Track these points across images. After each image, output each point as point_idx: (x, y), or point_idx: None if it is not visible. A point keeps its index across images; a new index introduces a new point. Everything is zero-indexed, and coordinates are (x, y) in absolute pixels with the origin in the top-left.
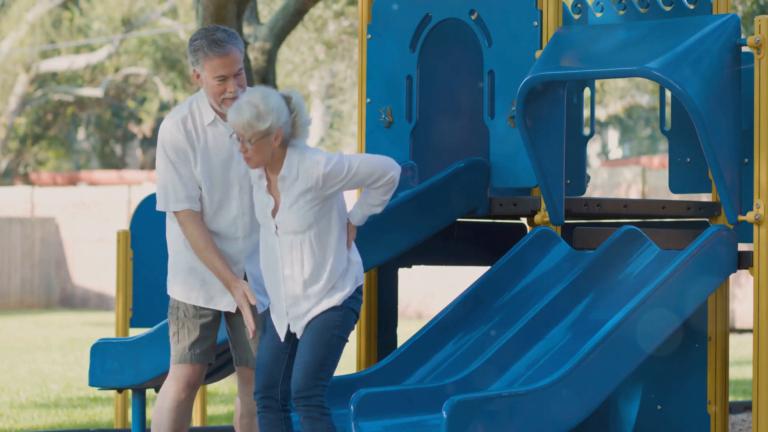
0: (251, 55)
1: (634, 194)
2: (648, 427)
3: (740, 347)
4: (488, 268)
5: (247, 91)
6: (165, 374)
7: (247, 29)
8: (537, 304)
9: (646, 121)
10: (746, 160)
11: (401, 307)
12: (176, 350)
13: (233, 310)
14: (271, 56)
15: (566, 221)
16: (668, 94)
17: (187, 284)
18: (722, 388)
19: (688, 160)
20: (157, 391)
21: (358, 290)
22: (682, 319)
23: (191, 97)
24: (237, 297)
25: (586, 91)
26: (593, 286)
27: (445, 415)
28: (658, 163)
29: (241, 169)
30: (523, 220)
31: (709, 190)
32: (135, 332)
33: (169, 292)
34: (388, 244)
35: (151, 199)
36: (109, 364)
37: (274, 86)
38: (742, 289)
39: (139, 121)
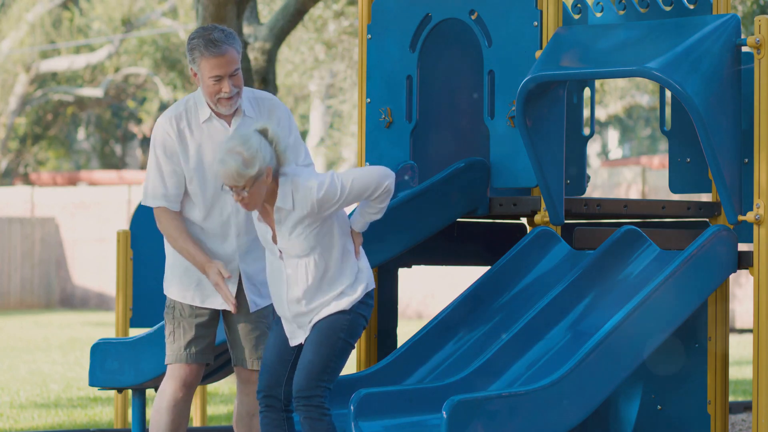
0: (251, 55)
1: (634, 194)
2: (648, 427)
3: (740, 347)
4: (488, 268)
5: (226, 138)
6: (165, 374)
7: (247, 29)
8: (537, 304)
9: (646, 121)
10: (746, 160)
11: (401, 307)
12: (171, 349)
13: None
14: (271, 56)
15: (566, 221)
16: (668, 94)
17: (183, 284)
18: (722, 388)
19: (688, 160)
20: (156, 391)
21: (368, 295)
22: (682, 319)
23: (189, 95)
24: (212, 276)
25: (586, 91)
26: (593, 286)
27: (445, 415)
28: (658, 163)
29: None
30: (523, 220)
31: (709, 190)
32: (135, 332)
33: (165, 292)
34: (388, 244)
35: None
36: (109, 364)
37: (274, 86)
38: (742, 289)
39: (139, 121)
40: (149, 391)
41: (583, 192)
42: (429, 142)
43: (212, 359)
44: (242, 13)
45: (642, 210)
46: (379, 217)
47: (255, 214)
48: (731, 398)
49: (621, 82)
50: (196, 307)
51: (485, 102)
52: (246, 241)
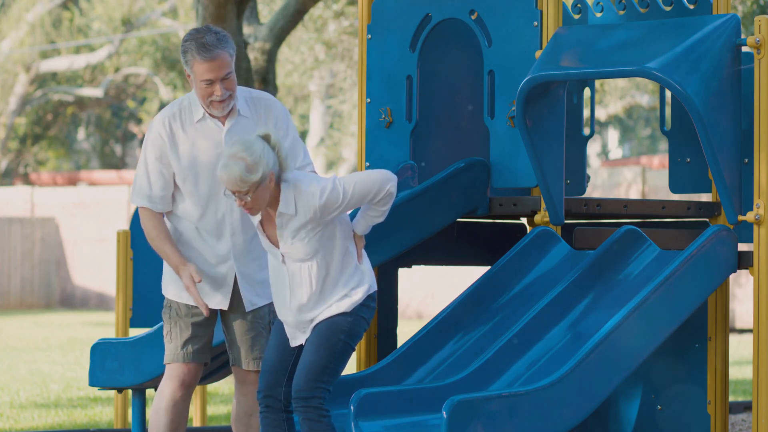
0: (251, 55)
1: (634, 194)
2: (648, 427)
3: (740, 347)
4: (488, 268)
5: (228, 144)
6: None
7: (247, 29)
8: (537, 304)
9: (646, 121)
10: (746, 160)
11: (401, 307)
12: (169, 349)
13: (225, 308)
14: (271, 56)
15: (566, 221)
16: (668, 94)
17: (179, 283)
18: (722, 388)
19: (688, 160)
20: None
21: (370, 297)
22: (682, 319)
23: (186, 95)
24: (184, 279)
25: (586, 91)
26: (593, 286)
27: (445, 415)
28: (658, 163)
29: None
30: (523, 220)
31: (709, 190)
32: (135, 332)
33: (163, 291)
34: (388, 244)
35: None
36: (109, 364)
37: (274, 86)
38: (742, 289)
39: (139, 121)
40: (149, 391)
41: (583, 192)
42: (429, 142)
43: (209, 359)
44: (242, 13)
45: (642, 210)
46: (381, 220)
47: (256, 220)
48: (731, 398)
49: (621, 82)
50: (192, 306)
51: (485, 102)
52: (241, 240)
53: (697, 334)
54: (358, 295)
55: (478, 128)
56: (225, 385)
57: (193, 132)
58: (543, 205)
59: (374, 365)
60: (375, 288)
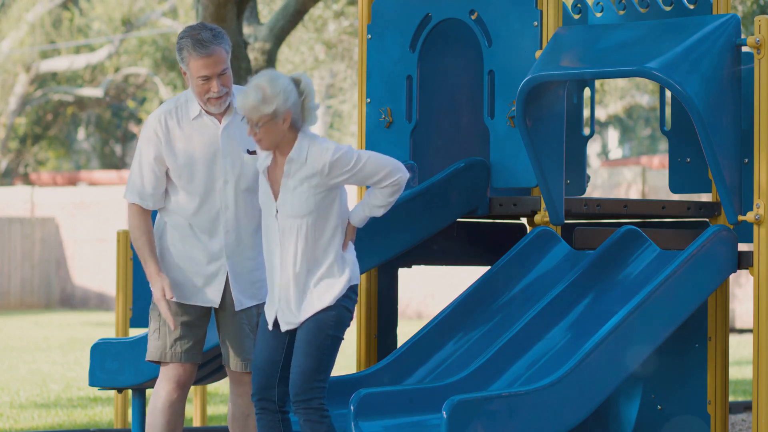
0: (251, 55)
1: (634, 194)
2: (648, 427)
3: (740, 347)
4: (488, 268)
5: (260, 72)
6: None
7: (247, 29)
8: (537, 304)
9: (646, 121)
10: (746, 160)
11: (401, 307)
12: (155, 346)
13: (216, 305)
14: (271, 56)
15: (566, 221)
16: (668, 94)
17: (172, 280)
18: (722, 388)
19: (688, 160)
20: None
21: (352, 289)
22: (682, 319)
23: (182, 93)
24: (156, 291)
25: (586, 91)
26: (593, 286)
27: (445, 415)
28: (658, 163)
29: (226, 163)
30: (523, 220)
31: (709, 190)
32: (135, 332)
33: (151, 287)
34: (388, 244)
35: None
36: (109, 364)
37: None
38: (742, 289)
39: (139, 121)
40: (149, 391)
41: (583, 192)
42: (429, 142)
43: (199, 359)
44: (242, 13)
45: (642, 210)
46: (380, 213)
47: (264, 164)
48: (731, 398)
49: (621, 82)
50: (183, 305)
51: (485, 102)
52: (234, 238)
53: (697, 334)
54: (340, 287)
55: (478, 128)
56: (225, 385)
57: (190, 129)
58: (543, 205)
59: (374, 365)
60: (357, 281)
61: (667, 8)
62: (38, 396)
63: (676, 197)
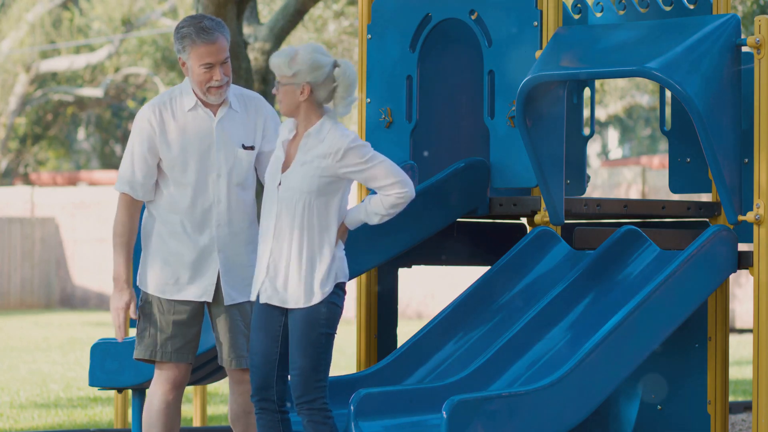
0: (251, 55)
1: (634, 194)
2: (648, 427)
3: (740, 347)
4: (488, 268)
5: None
6: None
7: (247, 29)
8: (537, 304)
9: (646, 121)
10: (746, 160)
11: (401, 307)
12: (145, 345)
13: (209, 299)
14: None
15: (566, 221)
16: (668, 94)
17: (161, 277)
18: (722, 388)
19: (688, 160)
20: None
21: (339, 286)
22: (682, 319)
23: (176, 86)
24: (120, 302)
25: (586, 91)
26: (593, 286)
27: (445, 415)
28: (658, 163)
29: (220, 156)
30: (523, 220)
31: (709, 190)
32: (135, 332)
33: (139, 285)
34: (389, 243)
35: None
36: (109, 364)
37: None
38: (742, 289)
39: None
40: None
41: (583, 192)
42: (429, 142)
43: (192, 359)
44: (242, 13)
45: (642, 210)
46: (375, 221)
47: (284, 135)
48: (731, 398)
49: (621, 82)
50: (174, 302)
51: (485, 102)
52: (226, 232)
53: (697, 334)
54: (327, 286)
55: (478, 128)
56: (225, 385)
57: (184, 120)
58: (543, 205)
59: (374, 365)
60: (345, 279)
61: (667, 8)
62: (38, 396)
63: (676, 197)
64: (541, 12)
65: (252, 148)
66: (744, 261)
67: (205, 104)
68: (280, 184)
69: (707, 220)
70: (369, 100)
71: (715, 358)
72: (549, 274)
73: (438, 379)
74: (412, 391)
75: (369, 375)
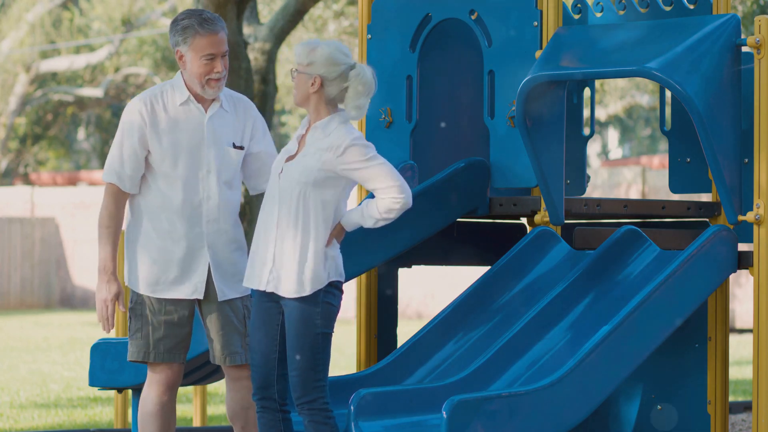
0: (251, 55)
1: (634, 194)
2: (648, 427)
3: (740, 347)
4: (488, 268)
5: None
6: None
7: (247, 29)
8: (537, 304)
9: (646, 121)
10: (746, 160)
11: (401, 307)
12: (137, 346)
13: (200, 296)
14: (271, 56)
15: (566, 221)
16: (668, 94)
17: (151, 276)
18: (722, 388)
19: (688, 160)
20: None
21: (334, 285)
22: (682, 319)
23: (169, 80)
24: (105, 292)
25: (586, 91)
26: (593, 286)
27: (445, 415)
28: (658, 163)
29: (210, 153)
30: (523, 220)
31: (709, 190)
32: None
33: (128, 284)
34: (389, 243)
35: None
36: (109, 364)
37: (274, 86)
38: (742, 289)
39: None
40: None
41: (583, 192)
42: (429, 142)
43: (183, 359)
44: (242, 13)
45: (642, 210)
46: (370, 225)
47: (298, 134)
48: (731, 398)
49: (621, 82)
50: (165, 301)
51: (485, 102)
52: (216, 228)
53: (697, 334)
54: (321, 284)
55: (478, 128)
56: (224, 385)
57: (175, 113)
58: (543, 205)
59: (374, 365)
60: (339, 278)
61: (667, 8)
62: (38, 396)
63: (676, 197)
64: (541, 12)
65: (241, 148)
66: (744, 261)
67: (197, 100)
68: (282, 171)
69: (707, 220)
70: None
71: (715, 358)
72: (549, 274)
73: (438, 379)
74: (412, 391)
75: (369, 375)
